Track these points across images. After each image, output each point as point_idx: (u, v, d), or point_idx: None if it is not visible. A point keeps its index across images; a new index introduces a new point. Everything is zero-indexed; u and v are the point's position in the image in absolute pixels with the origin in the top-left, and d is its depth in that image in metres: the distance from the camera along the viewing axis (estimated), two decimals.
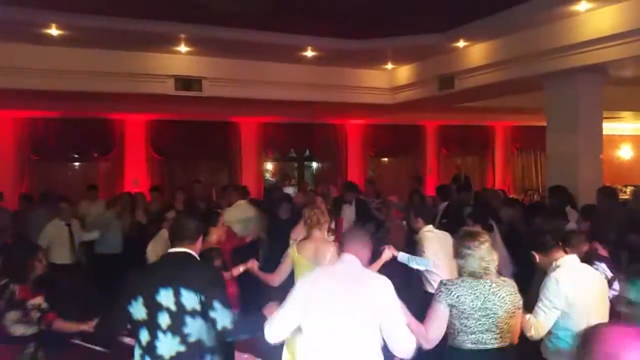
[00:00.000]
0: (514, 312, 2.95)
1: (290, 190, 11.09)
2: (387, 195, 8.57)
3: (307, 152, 12.54)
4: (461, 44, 7.24)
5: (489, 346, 2.89)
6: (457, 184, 8.43)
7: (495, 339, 2.90)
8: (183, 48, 7.28)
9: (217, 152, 11.46)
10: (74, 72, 7.10)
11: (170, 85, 7.69)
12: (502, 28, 6.49)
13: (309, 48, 7.45)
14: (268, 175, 12.57)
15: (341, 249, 2.92)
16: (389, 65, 8.76)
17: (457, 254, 2.99)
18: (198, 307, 2.76)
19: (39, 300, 3.45)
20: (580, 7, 5.58)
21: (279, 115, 11.11)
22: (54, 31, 6.28)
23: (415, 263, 4.08)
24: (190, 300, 2.76)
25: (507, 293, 2.91)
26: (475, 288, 2.88)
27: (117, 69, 7.31)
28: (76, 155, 10.78)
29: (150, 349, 2.77)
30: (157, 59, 7.57)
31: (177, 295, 2.76)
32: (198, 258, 3.03)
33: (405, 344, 2.64)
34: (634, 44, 5.41)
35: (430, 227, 4.74)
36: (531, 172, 14.28)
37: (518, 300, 2.97)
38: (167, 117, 10.66)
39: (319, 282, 2.77)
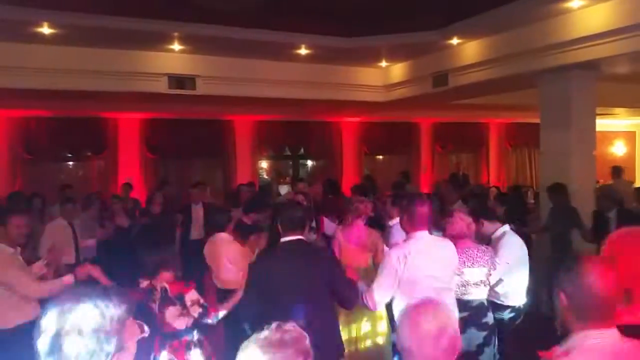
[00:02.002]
0: None
1: (285, 188, 11.09)
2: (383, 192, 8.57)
3: (302, 150, 12.53)
4: (455, 41, 7.24)
5: None
6: (454, 182, 8.47)
7: None
8: (176, 46, 7.25)
9: (212, 151, 11.42)
10: (67, 70, 7.05)
11: (164, 83, 7.66)
12: (496, 25, 6.50)
13: (303, 46, 7.44)
14: (263, 174, 12.55)
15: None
16: (383, 63, 8.76)
17: None
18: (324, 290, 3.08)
19: (194, 294, 3.52)
20: (573, 4, 5.60)
21: (273, 113, 11.10)
22: (45, 30, 6.24)
23: None
24: (315, 283, 3.06)
25: None
26: None
27: (110, 68, 7.28)
28: (69, 155, 10.72)
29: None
30: (151, 58, 7.53)
31: (300, 280, 3.03)
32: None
33: None
34: (627, 41, 5.43)
35: None
36: (525, 169, 14.35)
37: None
38: (160, 116, 10.62)
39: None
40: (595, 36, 5.65)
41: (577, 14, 5.78)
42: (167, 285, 3.46)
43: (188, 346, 3.48)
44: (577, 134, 6.55)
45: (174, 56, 7.62)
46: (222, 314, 3.66)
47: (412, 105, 9.90)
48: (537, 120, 7.08)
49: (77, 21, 6.04)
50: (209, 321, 3.57)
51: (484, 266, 3.79)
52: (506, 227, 4.35)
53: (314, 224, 5.79)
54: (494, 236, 4.29)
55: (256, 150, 11.77)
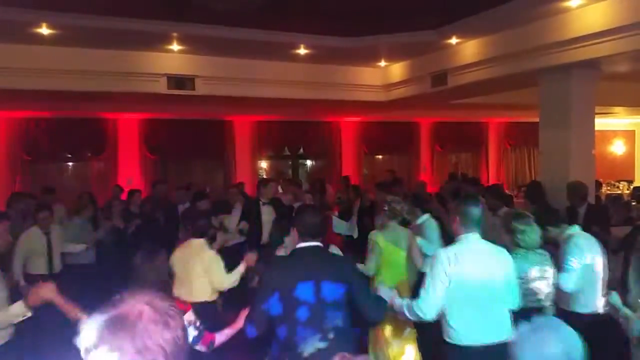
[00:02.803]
0: None
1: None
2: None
3: (301, 150, 12.54)
4: (454, 40, 7.24)
5: None
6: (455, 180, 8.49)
7: None
8: (175, 47, 7.25)
9: (211, 151, 11.43)
10: (66, 71, 7.05)
11: (163, 84, 7.65)
12: (495, 24, 6.49)
13: (302, 46, 7.43)
14: (262, 173, 12.55)
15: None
16: (382, 63, 8.76)
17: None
18: (341, 299, 2.87)
19: (191, 314, 3.00)
20: (572, 3, 5.59)
21: (272, 114, 11.10)
22: (44, 30, 6.23)
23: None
24: (333, 292, 2.86)
25: None
26: None
27: (109, 68, 7.27)
28: (69, 155, 10.73)
29: (289, 344, 2.82)
30: (150, 58, 7.53)
31: (318, 288, 2.84)
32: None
33: None
34: (626, 39, 5.42)
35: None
36: (524, 168, 14.36)
37: None
38: (160, 116, 10.62)
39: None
40: (594, 35, 5.65)
41: (576, 13, 5.78)
42: None
43: None
44: (576, 133, 6.55)
45: (173, 56, 7.61)
46: (218, 341, 3.12)
47: (411, 104, 9.89)
48: (537, 119, 7.07)
49: (76, 22, 6.03)
50: (201, 348, 3.03)
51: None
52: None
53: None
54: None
55: (256, 150, 11.78)
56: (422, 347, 4.46)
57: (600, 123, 8.88)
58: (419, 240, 4.81)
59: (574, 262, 3.79)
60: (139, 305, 1.20)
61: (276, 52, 7.72)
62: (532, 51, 6.35)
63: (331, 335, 2.81)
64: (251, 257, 4.39)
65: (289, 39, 7.15)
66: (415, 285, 4.25)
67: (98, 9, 5.87)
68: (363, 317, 3.03)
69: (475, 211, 3.19)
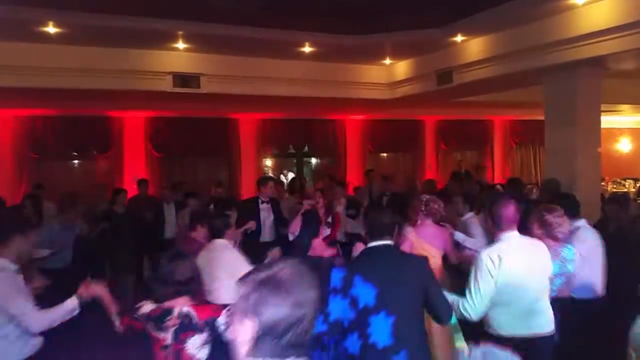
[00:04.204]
0: None
1: None
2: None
3: (306, 148, 12.55)
4: (459, 38, 7.23)
5: None
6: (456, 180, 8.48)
7: None
8: (181, 45, 7.27)
9: (216, 149, 11.45)
10: (72, 69, 7.08)
11: (169, 82, 7.68)
12: (500, 22, 6.48)
13: (307, 44, 7.44)
14: (267, 171, 12.56)
15: None
16: (387, 61, 8.76)
17: None
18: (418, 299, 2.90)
19: (225, 317, 2.81)
20: (578, 0, 5.58)
21: (277, 112, 11.11)
22: (51, 29, 6.26)
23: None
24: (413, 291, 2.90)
25: None
26: None
27: (115, 67, 7.30)
28: (75, 153, 10.77)
29: (366, 342, 2.83)
30: (155, 56, 7.55)
31: (397, 286, 2.87)
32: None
33: None
34: (632, 37, 5.40)
35: None
36: (530, 166, 14.31)
37: None
38: (165, 114, 10.65)
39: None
40: (600, 32, 5.63)
41: (582, 11, 5.76)
42: (191, 310, 2.71)
43: None
44: (582, 131, 6.54)
45: (179, 55, 7.63)
46: None
47: (416, 102, 9.88)
48: (542, 117, 7.06)
49: (82, 20, 6.07)
50: None
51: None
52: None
53: (329, 220, 5.94)
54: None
55: (260, 149, 11.79)
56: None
57: (606, 121, 8.83)
58: (457, 235, 4.92)
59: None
60: (288, 267, 1.42)
61: (281, 50, 7.73)
62: (538, 49, 6.33)
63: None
64: (276, 253, 4.41)
65: (294, 37, 7.16)
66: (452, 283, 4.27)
67: (104, 8, 5.90)
68: (438, 319, 3.05)
69: (509, 210, 3.17)
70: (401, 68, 8.89)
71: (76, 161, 10.94)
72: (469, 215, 5.46)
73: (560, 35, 6.04)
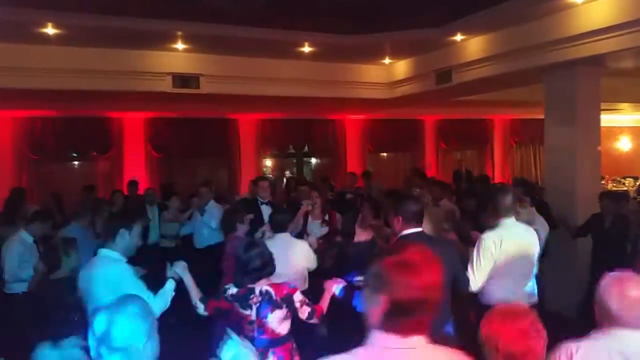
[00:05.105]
0: None
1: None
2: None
3: (306, 148, 12.55)
4: (458, 37, 7.23)
5: None
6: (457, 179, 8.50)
7: None
8: (180, 45, 7.27)
9: (216, 149, 11.46)
10: (71, 71, 7.08)
11: (168, 82, 7.68)
12: (499, 21, 6.48)
13: (306, 44, 7.44)
14: (267, 172, 12.57)
15: None
16: (387, 60, 8.75)
17: None
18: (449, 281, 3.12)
19: (299, 294, 3.24)
20: None
21: (277, 112, 11.12)
22: (50, 30, 6.26)
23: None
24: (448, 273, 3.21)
25: None
26: None
27: (114, 67, 7.30)
28: (75, 154, 10.78)
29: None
30: (155, 57, 7.55)
31: None
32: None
33: None
34: (631, 35, 5.40)
35: None
36: (530, 165, 14.32)
37: None
38: (165, 115, 10.66)
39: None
40: (599, 31, 5.62)
41: (582, 9, 5.76)
42: (270, 288, 3.16)
43: (291, 353, 3.22)
44: (582, 130, 6.53)
45: (178, 55, 7.63)
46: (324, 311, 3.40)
47: (416, 102, 9.88)
48: (542, 116, 7.06)
49: (81, 21, 6.06)
50: (315, 321, 3.30)
51: None
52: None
53: (326, 217, 6.00)
54: None
55: (260, 149, 11.80)
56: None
57: (606, 119, 8.84)
58: None
59: None
60: (419, 251, 1.54)
61: (281, 50, 7.73)
62: (537, 48, 6.33)
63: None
64: (314, 242, 4.96)
65: (293, 37, 7.16)
66: None
67: (103, 9, 5.89)
68: (460, 290, 3.45)
69: (506, 200, 3.65)
70: (401, 67, 8.89)
71: (76, 162, 10.95)
72: None
73: (560, 34, 6.03)
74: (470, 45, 7.37)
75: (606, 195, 6.07)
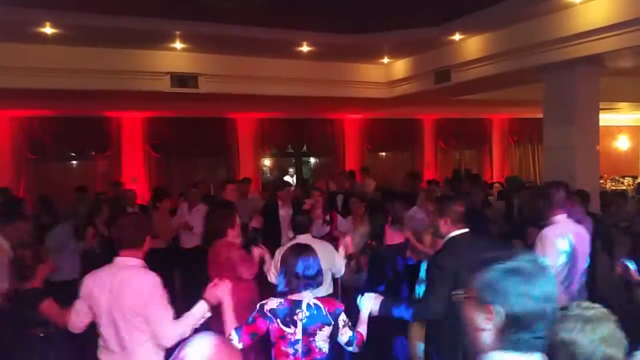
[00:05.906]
0: None
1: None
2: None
3: (305, 148, 12.54)
4: (457, 37, 7.23)
5: None
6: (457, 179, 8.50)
7: None
8: (178, 45, 7.26)
9: (215, 149, 11.45)
10: (70, 70, 7.06)
11: (166, 82, 7.66)
12: (498, 20, 6.47)
13: (305, 43, 7.43)
14: (266, 171, 12.57)
15: None
16: (385, 60, 8.75)
17: None
18: None
19: (344, 314, 2.86)
20: None
21: (275, 111, 11.11)
22: (48, 29, 6.24)
23: None
24: None
25: None
26: None
27: (112, 67, 7.28)
28: (73, 154, 10.76)
29: None
30: (153, 56, 7.53)
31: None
32: None
33: None
34: (630, 35, 5.40)
35: None
36: (528, 164, 14.33)
37: None
38: (163, 115, 10.64)
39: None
40: (598, 30, 5.63)
41: (580, 8, 5.76)
42: (319, 302, 2.78)
43: None
44: (580, 129, 6.53)
45: (176, 55, 7.62)
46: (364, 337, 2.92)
47: (414, 101, 9.88)
48: (540, 115, 7.06)
49: (80, 21, 6.05)
50: (355, 349, 2.86)
51: None
52: None
53: (327, 217, 6.01)
54: None
55: (259, 148, 11.79)
56: None
57: (605, 119, 8.84)
58: None
59: None
60: (531, 260, 1.40)
61: (279, 50, 7.72)
62: (536, 47, 6.33)
63: None
64: (349, 243, 4.43)
65: (291, 36, 7.15)
66: None
67: (101, 8, 5.88)
68: None
69: (560, 194, 3.61)
70: (399, 67, 8.89)
71: (74, 162, 10.93)
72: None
73: (558, 34, 6.03)
74: (469, 44, 7.37)
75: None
